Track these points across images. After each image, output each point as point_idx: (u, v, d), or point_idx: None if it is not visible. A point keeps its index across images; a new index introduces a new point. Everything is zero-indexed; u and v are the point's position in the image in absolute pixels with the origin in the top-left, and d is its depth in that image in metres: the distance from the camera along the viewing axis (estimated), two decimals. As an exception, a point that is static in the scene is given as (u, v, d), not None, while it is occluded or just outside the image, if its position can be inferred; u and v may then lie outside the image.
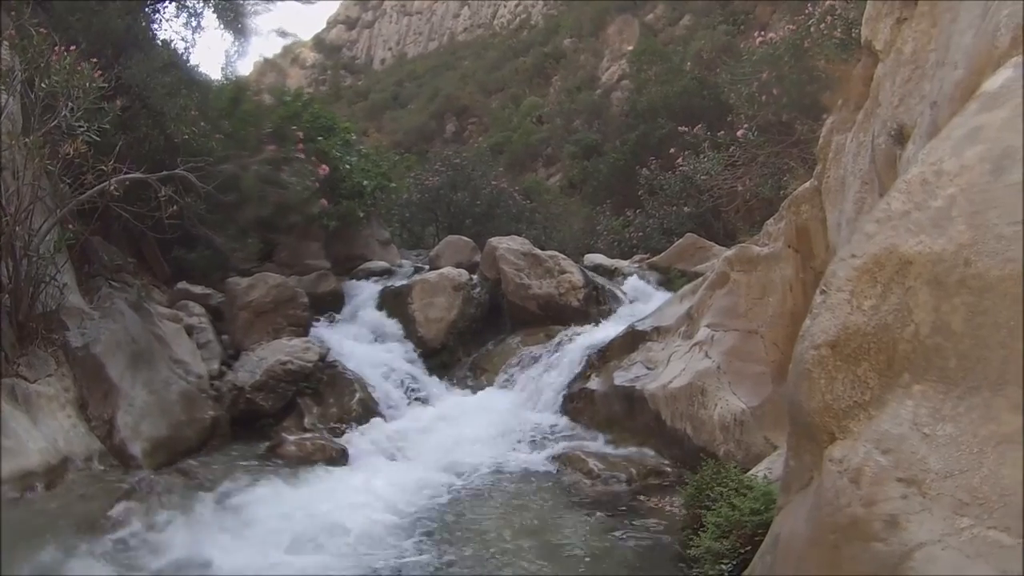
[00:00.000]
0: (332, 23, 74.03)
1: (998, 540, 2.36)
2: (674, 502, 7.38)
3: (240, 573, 5.92)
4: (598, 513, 7.39)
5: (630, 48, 33.79)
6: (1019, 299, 2.51)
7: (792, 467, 3.60)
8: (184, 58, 13.61)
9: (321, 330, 12.43)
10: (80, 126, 8.46)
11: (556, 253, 14.31)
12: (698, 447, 8.13)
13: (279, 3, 14.71)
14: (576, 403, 10.38)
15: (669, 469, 8.43)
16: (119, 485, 7.22)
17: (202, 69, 13.96)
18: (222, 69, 14.70)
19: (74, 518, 6.50)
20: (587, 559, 6.33)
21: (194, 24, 13.76)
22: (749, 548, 4.87)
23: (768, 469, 6.32)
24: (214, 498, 7.30)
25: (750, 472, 6.39)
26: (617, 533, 6.87)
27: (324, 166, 14.21)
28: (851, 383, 3.02)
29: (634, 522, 7.12)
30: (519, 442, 9.63)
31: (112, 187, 8.71)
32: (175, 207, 9.59)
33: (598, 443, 9.46)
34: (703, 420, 8.26)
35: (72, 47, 8.75)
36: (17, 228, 7.79)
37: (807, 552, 3.09)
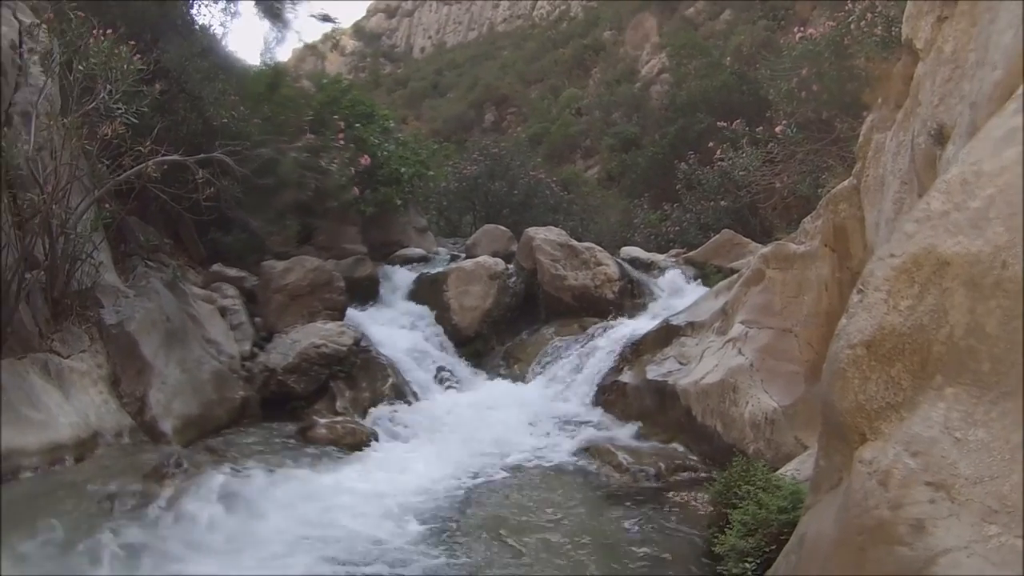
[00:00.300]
0: (372, 11, 74.27)
1: (1026, 549, 2.33)
2: (701, 498, 7.35)
3: (264, 549, 5.97)
4: (624, 505, 7.39)
5: (654, 40, 33.60)
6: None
7: (822, 467, 3.58)
8: (222, 43, 13.71)
9: (356, 314, 12.46)
10: (118, 108, 8.54)
11: (592, 245, 14.29)
12: (728, 444, 8.09)
13: (316, -10, 14.72)
14: (608, 395, 10.37)
15: (698, 465, 8.40)
16: (147, 460, 7.29)
17: (240, 54, 14.01)
18: (260, 54, 14.76)
19: (100, 491, 6.56)
20: (612, 551, 6.34)
21: (232, 10, 13.85)
22: (774, 547, 4.85)
23: (797, 469, 6.29)
24: (240, 476, 7.36)
25: (779, 471, 6.35)
26: (642, 527, 6.86)
27: (365, 156, 14.25)
28: (884, 384, 2.99)
29: (660, 516, 7.11)
30: (549, 431, 9.63)
31: (150, 168, 8.79)
32: (212, 190, 9.66)
33: (628, 436, 9.44)
34: (734, 417, 8.22)
35: (110, 31, 8.84)
36: (54, 206, 7.88)
37: (833, 553, 3.06)
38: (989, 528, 2.41)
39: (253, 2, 13.93)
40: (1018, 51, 3.27)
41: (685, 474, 8.22)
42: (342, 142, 13.95)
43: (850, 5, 14.35)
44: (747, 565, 5.12)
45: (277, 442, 8.91)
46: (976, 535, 2.42)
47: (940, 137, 4.71)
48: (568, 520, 7.00)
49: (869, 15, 12.92)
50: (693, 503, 7.42)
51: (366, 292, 13.58)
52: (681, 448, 8.89)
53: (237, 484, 7.12)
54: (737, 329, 9.00)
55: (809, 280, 8.24)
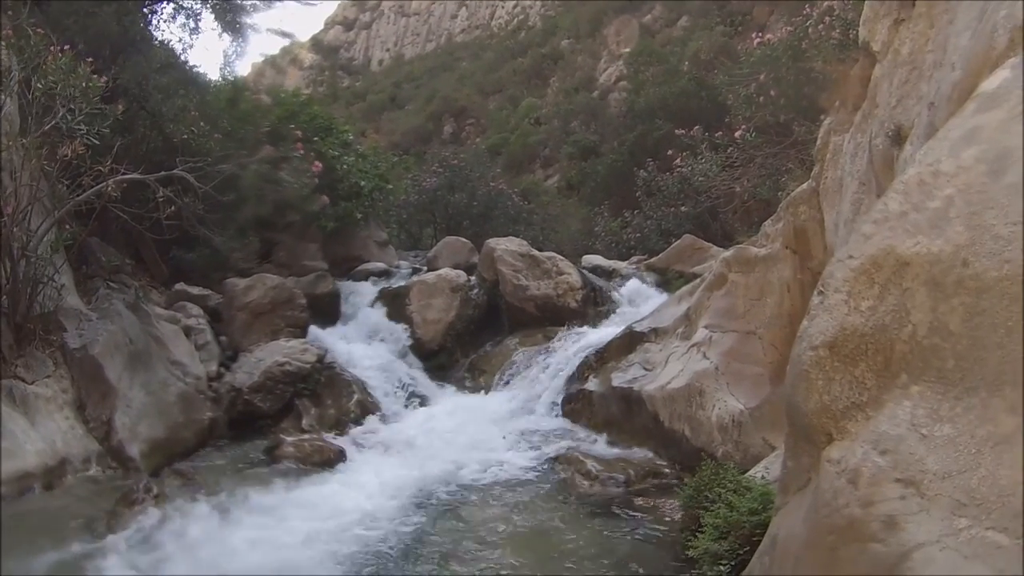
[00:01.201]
0: (330, 24, 74.07)
1: (996, 541, 2.36)
2: (672, 503, 7.37)
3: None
4: (596, 514, 7.39)
5: (627, 50, 33.82)
6: (1017, 299, 2.51)
7: (790, 468, 3.60)
8: (182, 58, 13.64)
9: (319, 331, 12.40)
10: (79, 128, 8.45)
11: (554, 254, 14.32)
12: (696, 448, 8.12)
13: (277, 3, 14.68)
14: (574, 404, 10.38)
15: (667, 470, 8.42)
16: (117, 488, 7.21)
17: (200, 69, 13.92)
18: (220, 69, 14.70)
19: (71, 520, 6.50)
20: (585, 560, 6.33)
21: (192, 25, 13.78)
22: (747, 549, 4.87)
23: (766, 470, 6.33)
24: (211, 501, 7.29)
25: (748, 473, 6.39)
26: (615, 534, 6.87)
27: (318, 163, 14.21)
28: (848, 384, 3.02)
29: (632, 523, 7.12)
30: (517, 443, 9.61)
31: (110, 188, 8.70)
32: (173, 208, 9.59)
33: (596, 444, 9.45)
34: (701, 421, 8.25)
35: (68, 47, 8.75)
36: (15, 229, 7.79)
37: (805, 553, 3.08)
38: (959, 521, 2.44)
39: (213, 17, 13.87)
40: (976, 52, 3.32)
41: (654, 480, 8.24)
42: (300, 153, 13.91)
43: (808, 9, 14.52)
44: (721, 568, 5.14)
45: (245, 463, 8.86)
46: (947, 529, 2.45)
47: (898, 138, 4.78)
48: (540, 530, 7.00)
49: (827, 19, 13.07)
50: (664, 508, 7.44)
51: (328, 308, 13.51)
52: (649, 454, 8.91)
53: (205, 509, 7.07)
54: (701, 334, 9.05)
55: (771, 283, 8.31)
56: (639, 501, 7.68)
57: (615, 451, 9.17)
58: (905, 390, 2.81)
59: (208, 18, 14.10)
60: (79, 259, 9.84)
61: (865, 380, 2.97)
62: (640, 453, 8.97)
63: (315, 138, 15.12)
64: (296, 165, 13.35)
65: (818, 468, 3.11)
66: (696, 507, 6.19)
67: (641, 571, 6.12)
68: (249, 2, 14.21)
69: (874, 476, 2.73)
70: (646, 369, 9.78)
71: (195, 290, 12.01)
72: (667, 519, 7.15)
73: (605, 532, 6.92)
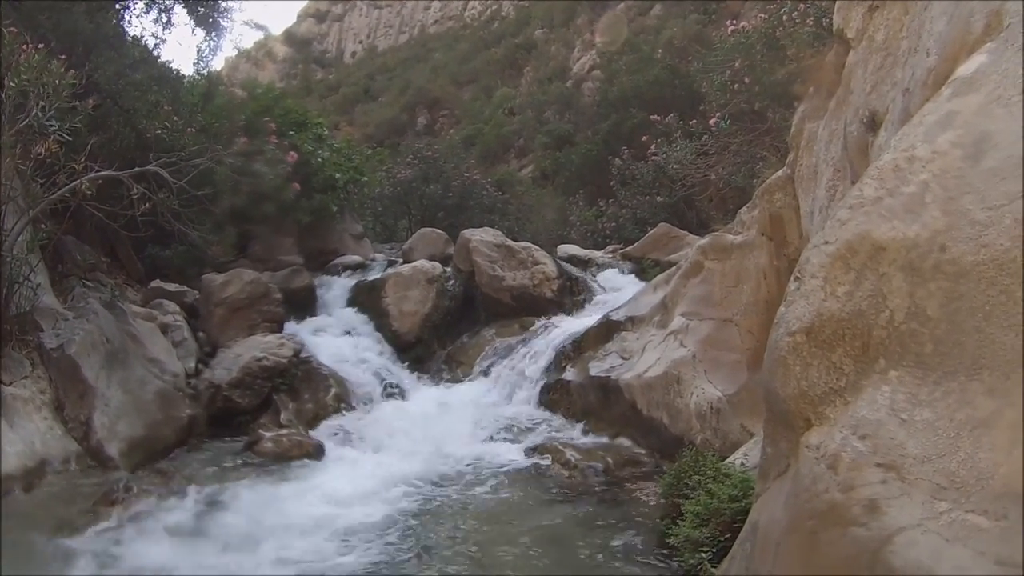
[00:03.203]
0: (303, 17, 73.71)
1: (976, 524, 2.37)
2: (652, 491, 7.40)
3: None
4: (576, 502, 7.41)
5: (602, 40, 33.85)
6: (994, 284, 2.53)
7: (769, 454, 3.61)
8: (155, 54, 13.52)
9: (295, 326, 12.36)
10: (52, 125, 8.35)
11: (529, 244, 14.29)
12: (675, 436, 8.15)
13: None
14: (552, 394, 10.38)
15: (646, 458, 8.44)
16: (97, 487, 7.17)
17: (174, 64, 13.88)
18: (194, 64, 14.62)
19: (52, 521, 6.45)
20: (566, 548, 6.34)
21: (164, 20, 13.66)
22: (728, 536, 4.88)
23: (745, 456, 6.35)
24: (192, 499, 7.26)
25: (728, 460, 6.41)
26: (596, 522, 6.88)
27: (293, 153, 14.14)
28: (826, 369, 3.02)
29: (612, 511, 7.14)
30: (496, 434, 9.61)
31: (84, 185, 8.61)
32: (148, 204, 9.50)
33: (575, 433, 9.47)
34: (679, 409, 8.27)
35: (41, 45, 8.65)
36: (-11, 229, 7.71)
37: (785, 539, 3.09)
38: (940, 505, 2.45)
39: (186, 12, 13.76)
40: (952, 37, 3.32)
41: (634, 468, 8.25)
42: (275, 143, 13.84)
43: (782, -4, 14.53)
44: (702, 555, 5.15)
45: (225, 460, 8.82)
46: (928, 512, 2.46)
47: (872, 124, 4.79)
48: (521, 520, 6.99)
49: (801, 6, 13.07)
50: (644, 496, 7.46)
51: (304, 303, 13.45)
52: (628, 442, 8.93)
53: (186, 507, 7.05)
54: (678, 321, 9.07)
55: (747, 269, 8.33)
56: (619, 489, 7.70)
57: (594, 440, 9.19)
58: (884, 375, 2.81)
59: (181, 13, 14.00)
60: (54, 258, 9.77)
61: (843, 365, 2.98)
62: (619, 442, 8.99)
63: (290, 132, 15.03)
64: (270, 156, 13.27)
65: (797, 454, 3.12)
66: (676, 495, 6.21)
67: (623, 558, 6.13)
68: (222, -1, 14.13)
69: (854, 461, 2.73)
70: (623, 358, 9.79)
71: (171, 287, 11.93)
72: (647, 507, 7.17)
73: (585, 520, 6.93)
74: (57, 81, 8.45)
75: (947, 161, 2.80)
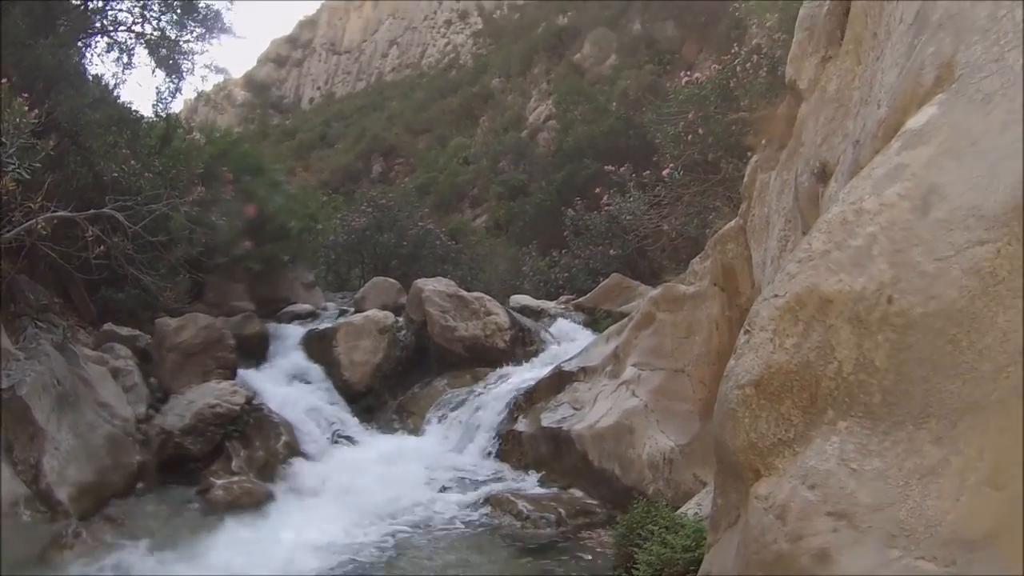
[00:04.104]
0: (263, 61, 73.80)
1: (926, 570, 2.38)
2: (605, 541, 7.36)
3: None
4: (528, 554, 7.36)
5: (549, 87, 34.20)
6: (942, 334, 2.55)
7: (719, 505, 3.60)
8: (115, 94, 13.45)
9: (247, 373, 12.22)
10: (11, 162, 8.25)
11: (482, 294, 14.32)
12: (627, 487, 8.13)
13: (213, 40, 14.56)
14: (504, 445, 10.34)
15: (598, 509, 8.41)
16: (46, 532, 7.03)
17: (133, 105, 13.77)
18: (153, 106, 14.53)
19: (2, 566, 6.30)
20: (517, 602, 6.28)
21: (125, 60, 13.61)
22: (681, 586, 4.87)
23: (698, 506, 6.34)
24: (140, 548, 7.13)
25: (680, 510, 6.40)
26: (549, 573, 6.82)
27: (253, 206, 14.08)
28: (775, 421, 3.03)
29: (566, 562, 7.10)
30: (448, 484, 9.54)
31: (40, 225, 8.50)
32: (102, 247, 9.40)
33: (527, 485, 9.42)
34: (631, 459, 8.26)
35: (4, 80, 8.57)
36: (-57, 266, 7.57)
37: (737, 589, 3.08)
38: (891, 552, 2.46)
39: (147, 52, 13.71)
40: (903, 89, 3.38)
41: (585, 519, 8.23)
42: (232, 195, 13.77)
43: (736, 48, 14.76)
44: (655, 605, 5.12)
45: (175, 507, 8.71)
46: (881, 559, 2.47)
47: (823, 175, 4.85)
48: (474, 571, 6.92)
49: (755, 57, 13.30)
50: (597, 547, 7.43)
51: (256, 349, 13.36)
52: (580, 493, 8.90)
53: (135, 556, 6.93)
54: (630, 372, 9.10)
55: (699, 320, 8.38)
56: (572, 540, 7.67)
57: (546, 491, 9.15)
58: (832, 426, 2.82)
59: (142, 53, 13.95)
60: (7, 298, 9.59)
61: (791, 417, 2.98)
62: (571, 493, 8.96)
63: (246, 177, 14.96)
64: (225, 208, 13.19)
65: (747, 505, 3.11)
66: (629, 545, 6.18)
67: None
68: (183, 39, 14.11)
69: (803, 510, 2.74)
70: (575, 408, 9.79)
71: (124, 330, 11.77)
72: (601, 557, 7.13)
73: (539, 571, 6.88)
74: (19, 119, 8.36)
75: (895, 213, 2.84)
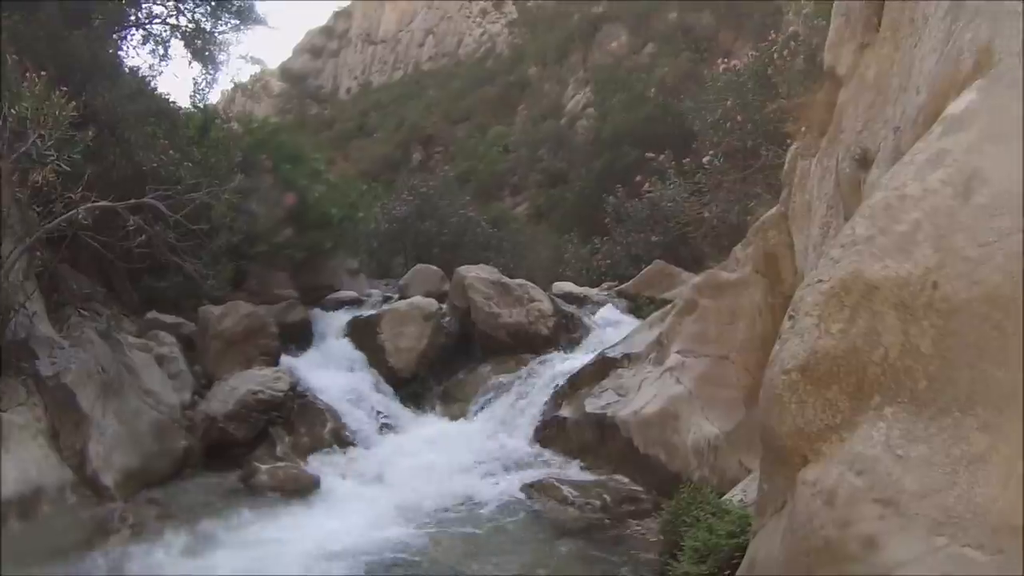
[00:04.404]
0: (299, 52, 73.96)
1: (972, 558, 2.39)
2: (650, 528, 7.38)
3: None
4: (574, 540, 7.38)
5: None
6: (987, 320, 2.56)
7: (765, 491, 3.62)
8: (152, 86, 13.61)
9: (291, 359, 12.34)
10: (51, 155, 8.39)
11: (525, 282, 14.33)
12: (672, 473, 8.13)
13: (246, 32, 14.69)
14: (548, 431, 10.37)
15: (644, 496, 8.41)
16: (92, 517, 7.16)
17: (170, 96, 13.93)
18: (190, 97, 14.68)
19: (48, 550, 6.43)
20: (563, 587, 6.33)
21: (161, 52, 13.77)
22: (727, 572, 4.88)
23: (743, 492, 6.34)
24: (185, 531, 7.24)
25: (725, 496, 6.41)
26: (594, 559, 6.86)
27: (292, 195, 14.18)
28: (822, 407, 3.03)
29: (610, 548, 7.12)
30: (492, 470, 9.57)
31: (81, 215, 8.63)
32: (144, 236, 9.53)
33: (571, 470, 9.44)
34: (676, 446, 8.27)
35: (44, 73, 8.70)
36: (-15, 256, 7.72)
37: (783, 574, 3.10)
38: (937, 540, 2.47)
39: (183, 44, 13.87)
40: (942, 74, 3.37)
41: (631, 505, 8.23)
42: (271, 183, 13.88)
43: (773, 35, 14.65)
44: (700, 591, 5.14)
45: (219, 492, 8.80)
46: (926, 547, 2.48)
47: (864, 162, 4.83)
48: (519, 558, 6.97)
49: (792, 44, 13.19)
50: (642, 533, 7.45)
51: (300, 337, 13.45)
52: (625, 480, 8.91)
53: (180, 539, 7.03)
54: (674, 359, 9.09)
55: (743, 307, 8.37)
56: (617, 526, 7.69)
57: (591, 477, 9.16)
58: (879, 411, 2.83)
59: (177, 45, 14.12)
60: (50, 287, 9.74)
61: (838, 402, 2.99)
62: (615, 479, 8.97)
63: (285, 166, 15.07)
64: (265, 196, 13.30)
65: (794, 491, 3.12)
66: (674, 531, 6.19)
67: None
68: (218, 30, 14.25)
69: (851, 496, 2.75)
70: (619, 395, 9.79)
71: (168, 318, 11.93)
72: (646, 543, 7.15)
73: (583, 558, 6.92)
74: (58, 112, 8.49)
75: (938, 199, 2.84)
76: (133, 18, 13.86)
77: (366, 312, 14.45)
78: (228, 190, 11.09)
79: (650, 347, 10.01)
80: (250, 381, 10.70)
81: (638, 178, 20.28)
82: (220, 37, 14.24)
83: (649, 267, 16.11)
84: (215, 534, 7.29)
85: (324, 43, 72.78)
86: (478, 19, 59.23)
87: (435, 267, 16.75)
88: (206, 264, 11.67)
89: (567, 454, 9.87)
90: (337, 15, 73.24)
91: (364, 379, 12.65)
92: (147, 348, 10.63)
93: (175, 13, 14.09)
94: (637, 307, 14.70)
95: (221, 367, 11.22)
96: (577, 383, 10.70)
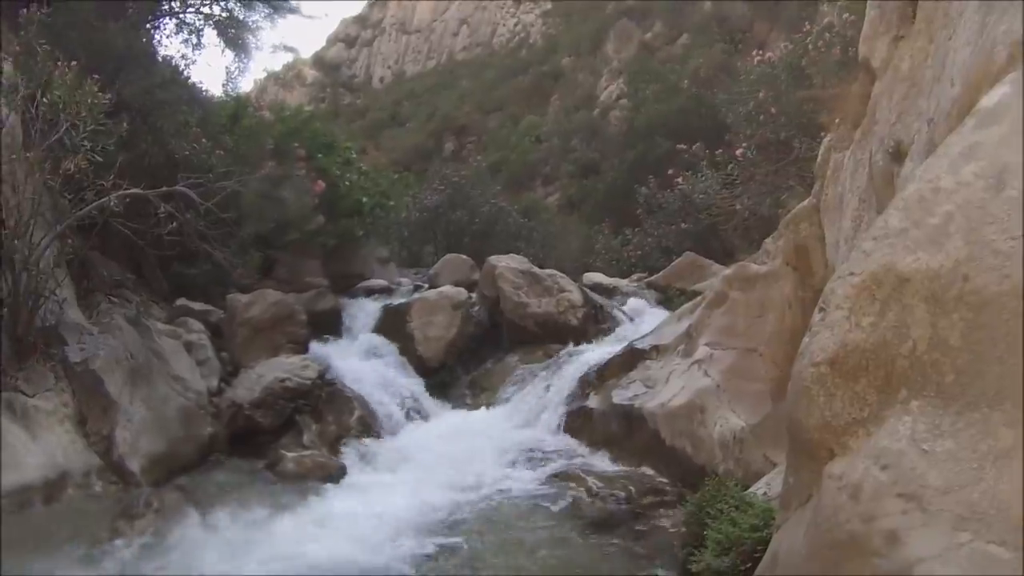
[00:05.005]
0: (332, 41, 74.17)
1: (996, 555, 2.37)
2: (674, 520, 7.36)
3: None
4: (598, 530, 7.38)
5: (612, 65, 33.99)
6: (1017, 314, 2.53)
7: (791, 484, 3.60)
8: (184, 74, 13.69)
9: (320, 348, 12.38)
10: (83, 143, 8.46)
11: (555, 272, 14.33)
12: (698, 465, 8.11)
13: (279, 19, 14.75)
14: (575, 421, 10.36)
15: (668, 488, 8.39)
16: (118, 502, 7.22)
17: (203, 85, 14.04)
18: (223, 85, 14.79)
19: (72, 534, 6.49)
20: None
21: (194, 41, 13.85)
22: (749, 565, 4.87)
23: (767, 486, 6.32)
24: (211, 518, 7.29)
25: (750, 489, 6.39)
26: (618, 549, 6.87)
27: (321, 182, 14.23)
28: (850, 400, 3.02)
29: (634, 539, 7.12)
30: (518, 460, 9.58)
31: (112, 203, 8.71)
32: (174, 223, 9.60)
33: (597, 461, 9.42)
34: (702, 438, 8.25)
35: (75, 63, 8.78)
36: (16, 242, 7.80)
37: (805, 568, 3.08)
38: (961, 536, 2.45)
39: (216, 33, 13.95)
40: (975, 67, 3.33)
41: (656, 497, 8.20)
42: (303, 171, 13.94)
43: (807, 27, 14.55)
44: (723, 584, 5.14)
45: (245, 479, 8.85)
46: (949, 543, 2.46)
47: (897, 155, 4.79)
48: (542, 548, 6.98)
49: (826, 36, 13.10)
50: (666, 525, 7.44)
51: (329, 325, 13.48)
52: (650, 471, 8.88)
53: (205, 525, 7.08)
54: (702, 351, 9.05)
55: (772, 299, 8.32)
56: (642, 518, 7.67)
57: (616, 468, 9.15)
58: (905, 405, 2.81)
59: (210, 34, 14.19)
60: (80, 273, 9.84)
61: (866, 396, 2.97)
62: (641, 470, 8.95)
63: (318, 155, 15.13)
64: (297, 184, 13.37)
65: (819, 484, 3.11)
66: (698, 523, 6.18)
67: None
68: (252, 19, 14.31)
69: (876, 491, 2.73)
70: (647, 386, 9.77)
71: (197, 306, 12.00)
72: (669, 535, 7.14)
73: (607, 548, 6.92)
74: (91, 100, 8.56)
75: (971, 192, 2.81)
76: (166, 7, 13.96)
77: (396, 301, 14.49)
78: (258, 179, 11.15)
79: (679, 339, 9.98)
80: (277, 369, 10.75)
81: (670, 170, 20.21)
82: (253, 26, 14.31)
83: (679, 259, 16.06)
84: (239, 519, 7.34)
85: (358, 32, 72.93)
86: (512, 9, 59.18)
87: (465, 256, 16.76)
88: (235, 253, 11.75)
89: (593, 445, 9.85)
90: (371, 5, 73.33)
91: (393, 368, 12.69)
92: (175, 335, 10.70)
93: (209, 2, 14.19)
94: (667, 299, 14.67)
95: (248, 354, 11.27)
96: (605, 374, 10.68)
